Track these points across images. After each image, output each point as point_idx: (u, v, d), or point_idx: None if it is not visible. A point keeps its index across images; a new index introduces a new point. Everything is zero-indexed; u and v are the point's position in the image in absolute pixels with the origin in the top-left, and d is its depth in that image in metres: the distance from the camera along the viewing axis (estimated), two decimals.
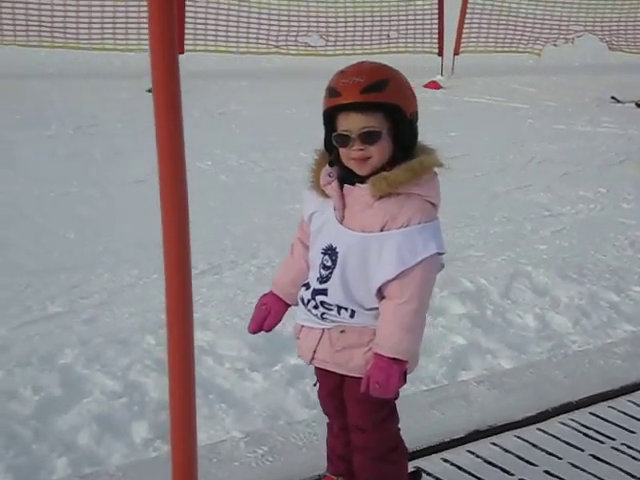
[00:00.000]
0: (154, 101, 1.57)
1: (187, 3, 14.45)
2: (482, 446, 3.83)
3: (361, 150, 2.85)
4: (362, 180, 2.91)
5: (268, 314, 3.18)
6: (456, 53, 15.91)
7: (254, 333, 3.23)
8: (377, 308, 2.92)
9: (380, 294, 2.91)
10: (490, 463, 3.70)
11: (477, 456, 3.76)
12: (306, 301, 3.05)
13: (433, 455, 3.75)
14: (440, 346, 5.02)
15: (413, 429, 3.84)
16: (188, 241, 1.64)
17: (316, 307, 3.02)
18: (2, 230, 6.65)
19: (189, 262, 1.65)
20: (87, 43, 14.27)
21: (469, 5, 16.21)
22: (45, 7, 13.96)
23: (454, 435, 3.89)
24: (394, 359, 2.85)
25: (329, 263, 2.98)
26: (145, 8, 14.30)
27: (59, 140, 9.67)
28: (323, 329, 3.04)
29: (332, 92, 2.88)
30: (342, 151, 2.91)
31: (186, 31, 14.37)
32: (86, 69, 14.16)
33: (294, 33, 15.36)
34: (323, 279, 3.00)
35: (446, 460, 3.72)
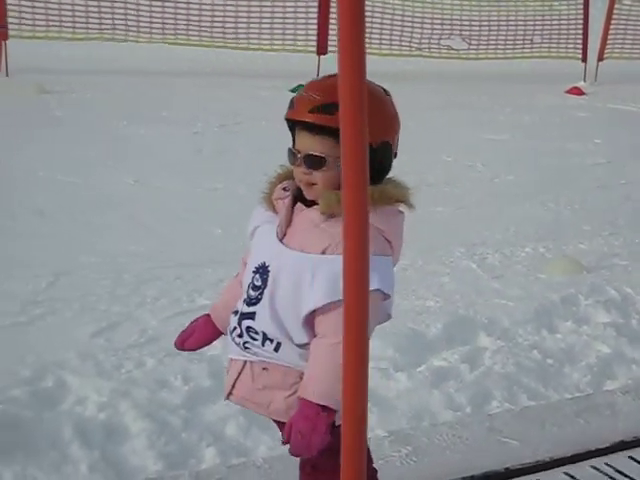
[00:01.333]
0: (341, 105, 1.61)
1: (332, 4, 14.58)
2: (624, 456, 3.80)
3: (305, 174, 2.56)
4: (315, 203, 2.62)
5: (193, 334, 2.94)
6: (600, 59, 15.64)
7: (178, 349, 3.00)
8: (306, 345, 2.57)
9: (310, 328, 2.55)
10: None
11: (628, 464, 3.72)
12: (231, 329, 2.72)
13: (579, 463, 3.72)
14: (584, 354, 4.95)
15: (558, 436, 3.82)
16: (367, 241, 1.68)
17: (240, 335, 2.68)
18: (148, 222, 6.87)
19: (367, 263, 1.68)
20: (234, 43, 14.55)
21: (615, 10, 15.90)
22: (193, 7, 14.30)
23: (600, 444, 3.85)
24: (322, 407, 2.46)
25: (259, 282, 2.64)
26: (290, 9, 14.60)
27: (205, 137, 9.90)
28: (245, 361, 2.70)
29: (290, 103, 2.59)
30: (293, 168, 2.63)
31: (330, 32, 14.50)
32: (230, 68, 14.44)
33: (437, 36, 15.34)
34: (251, 301, 2.66)
35: (594, 467, 3.69)
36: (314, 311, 2.50)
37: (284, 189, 2.66)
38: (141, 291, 5.52)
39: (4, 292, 5.32)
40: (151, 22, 14.17)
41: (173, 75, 13.61)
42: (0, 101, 11.10)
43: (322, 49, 14.44)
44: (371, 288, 2.27)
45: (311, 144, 2.54)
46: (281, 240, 2.60)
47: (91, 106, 11.22)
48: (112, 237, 6.51)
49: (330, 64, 13.94)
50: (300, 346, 2.57)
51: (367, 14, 15.08)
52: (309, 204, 2.61)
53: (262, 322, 2.61)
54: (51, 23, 13.73)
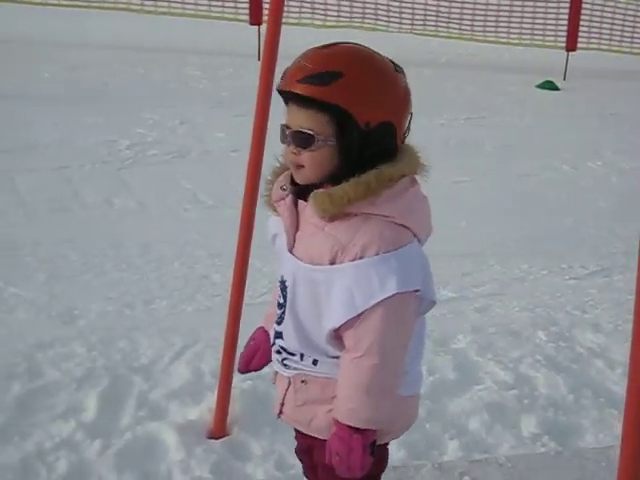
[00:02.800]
0: None
1: (584, 1, 14.18)
2: None
3: (293, 154, 2.25)
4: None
5: (257, 351, 2.65)
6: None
7: (242, 373, 2.73)
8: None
9: (339, 340, 2.28)
10: None
11: None
12: (272, 342, 2.51)
13: None
14: None
15: None
16: None
17: (278, 352, 2.47)
18: None
19: None
20: (481, 35, 14.41)
21: None
22: None
23: None
24: (355, 428, 2.26)
25: (282, 300, 2.41)
26: (541, 4, 14.26)
27: (451, 129, 9.86)
28: (289, 378, 2.46)
29: (284, 72, 2.27)
30: (283, 148, 2.30)
31: (580, 29, 14.12)
32: (476, 60, 14.31)
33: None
34: (279, 320, 2.44)
35: None
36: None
37: (282, 188, 2.34)
38: None
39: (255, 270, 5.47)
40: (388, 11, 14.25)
41: (418, 66, 13.62)
42: None
43: (571, 45, 14.07)
44: (388, 294, 2.18)
45: (300, 119, 2.21)
46: (291, 251, 2.32)
47: None
48: None
49: (579, 61, 13.60)
50: (337, 357, 2.31)
51: (619, 11, 14.73)
52: (306, 197, 2.29)
53: (290, 342, 2.40)
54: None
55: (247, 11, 13.22)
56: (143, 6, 13.88)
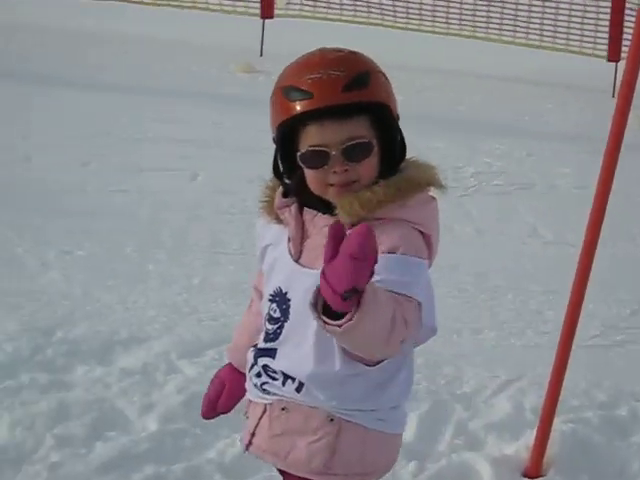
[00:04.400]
0: None
1: None
2: None
3: (345, 171, 2.11)
4: (329, 206, 2.17)
5: (222, 391, 2.48)
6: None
7: (207, 419, 2.55)
8: (341, 374, 2.17)
9: (345, 356, 2.14)
10: None
11: None
12: (249, 367, 2.31)
13: None
14: None
15: None
16: None
17: (258, 375, 2.28)
18: None
19: None
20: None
21: None
22: None
23: None
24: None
25: (277, 314, 2.24)
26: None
27: None
28: (265, 405, 2.28)
29: (293, 93, 2.11)
30: (313, 175, 2.15)
31: None
32: None
33: None
34: (269, 336, 2.25)
35: None
36: None
37: (285, 195, 2.23)
38: None
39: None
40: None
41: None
42: None
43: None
44: (406, 292, 2.06)
45: (346, 131, 2.11)
46: (297, 261, 2.19)
47: None
48: None
49: None
50: (328, 383, 2.17)
51: None
52: (323, 208, 2.18)
53: (283, 361, 2.22)
54: None
55: (605, 47, 12.96)
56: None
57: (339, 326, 1.93)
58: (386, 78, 2.20)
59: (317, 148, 2.13)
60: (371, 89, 2.13)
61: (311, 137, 2.13)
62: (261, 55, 12.57)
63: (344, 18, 13.53)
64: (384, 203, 2.12)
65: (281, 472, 2.35)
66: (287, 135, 2.18)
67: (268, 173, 2.27)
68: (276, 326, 2.25)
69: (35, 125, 8.12)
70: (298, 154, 2.16)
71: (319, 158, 2.13)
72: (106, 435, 3.62)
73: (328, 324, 1.95)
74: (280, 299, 2.25)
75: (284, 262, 2.22)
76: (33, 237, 5.49)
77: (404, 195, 2.15)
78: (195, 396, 3.82)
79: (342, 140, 2.12)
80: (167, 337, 4.31)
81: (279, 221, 2.25)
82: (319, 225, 2.19)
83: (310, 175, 2.17)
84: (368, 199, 2.12)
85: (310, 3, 13.62)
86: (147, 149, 7.73)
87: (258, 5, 13.05)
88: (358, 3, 13.23)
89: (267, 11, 12.93)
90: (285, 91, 2.14)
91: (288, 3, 13.50)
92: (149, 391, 3.89)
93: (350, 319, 1.92)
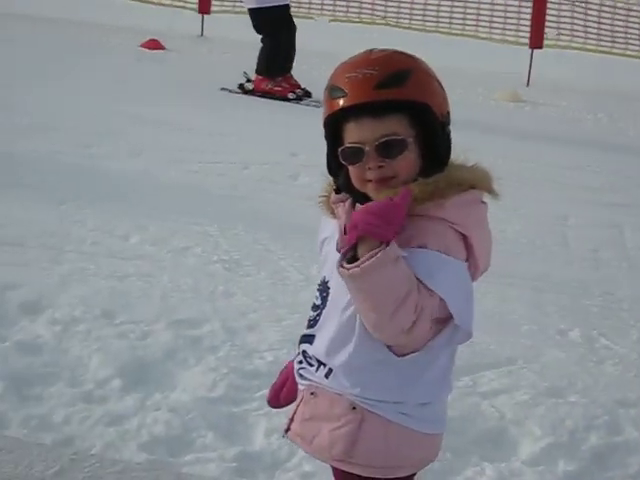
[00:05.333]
0: None
1: None
2: None
3: (380, 167, 2.19)
4: None
5: (285, 383, 2.51)
6: None
7: (272, 407, 2.57)
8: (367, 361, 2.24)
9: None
10: None
11: None
12: (296, 354, 2.42)
13: None
14: None
15: None
16: None
17: (300, 361, 2.38)
18: None
19: None
20: None
21: None
22: None
23: None
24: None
25: (318, 301, 2.35)
26: None
27: None
28: (302, 391, 2.38)
29: (334, 91, 2.20)
30: (352, 171, 2.23)
31: None
32: None
33: None
34: (310, 323, 2.36)
35: None
36: None
37: (337, 191, 2.32)
38: None
39: None
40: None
41: None
42: None
43: None
44: (430, 286, 2.12)
45: (381, 128, 2.17)
46: (340, 250, 2.21)
47: None
48: None
49: None
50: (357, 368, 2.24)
51: None
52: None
53: (318, 346, 2.31)
54: None
55: None
56: None
57: (347, 269, 2.11)
58: (431, 77, 2.26)
59: (353, 145, 2.22)
60: (408, 87, 2.19)
61: (350, 134, 2.23)
62: (527, 85, 12.49)
63: (615, 51, 13.26)
64: (420, 200, 2.18)
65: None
66: (333, 133, 2.28)
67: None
68: (316, 313, 2.36)
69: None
70: (339, 150, 2.26)
71: (354, 154, 2.22)
72: None
73: (342, 267, 2.13)
74: (323, 287, 2.37)
75: (333, 254, 2.29)
76: (297, 251, 5.63)
77: (442, 194, 2.20)
78: (447, 420, 3.85)
79: (376, 137, 2.20)
80: None
81: (335, 216, 2.35)
82: None
83: (351, 171, 2.26)
84: None
85: (581, 35, 13.42)
86: None
87: (527, 35, 12.99)
88: None
89: (536, 41, 12.84)
90: (328, 90, 2.25)
91: (558, 34, 13.36)
92: None
93: (357, 266, 2.10)
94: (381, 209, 2.13)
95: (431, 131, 2.24)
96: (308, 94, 10.37)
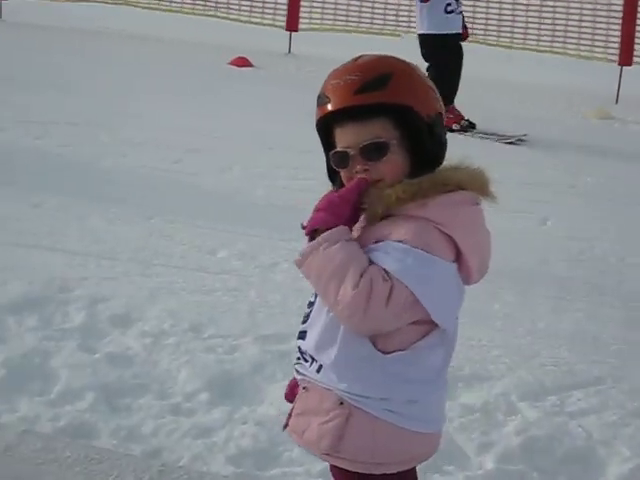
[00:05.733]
0: None
1: None
2: None
3: (366, 170, 2.23)
4: None
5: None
6: None
7: (290, 402, 2.49)
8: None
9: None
10: None
11: None
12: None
13: None
14: None
15: None
16: None
17: (297, 357, 2.43)
18: None
19: None
20: None
21: None
22: None
23: None
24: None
25: (312, 298, 2.40)
26: None
27: None
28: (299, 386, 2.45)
29: (320, 98, 2.27)
30: (343, 175, 2.29)
31: None
32: None
33: None
34: (304, 319, 2.42)
35: None
36: None
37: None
38: None
39: None
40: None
41: None
42: None
43: None
44: (397, 276, 2.15)
45: (364, 132, 2.21)
46: None
47: None
48: None
49: None
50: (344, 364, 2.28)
51: None
52: None
53: (309, 342, 2.35)
54: None
55: None
56: None
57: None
58: (414, 80, 2.27)
59: (339, 150, 2.28)
60: (389, 90, 2.21)
61: (338, 140, 2.28)
62: (616, 102, 12.32)
63: None
64: (402, 200, 2.21)
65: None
66: (326, 139, 2.33)
67: None
68: (309, 310, 2.41)
69: None
70: (330, 156, 2.32)
71: (341, 159, 2.28)
72: (444, 469, 3.68)
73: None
74: None
75: None
76: None
77: (425, 194, 2.21)
78: (534, 440, 3.82)
79: (359, 141, 2.23)
80: (509, 378, 4.31)
81: None
82: (358, 224, 2.33)
83: (342, 176, 2.31)
84: (387, 195, 2.21)
85: None
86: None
87: (616, 52, 12.84)
88: None
89: (626, 58, 12.68)
90: (317, 97, 2.31)
91: None
92: (488, 430, 3.91)
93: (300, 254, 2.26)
94: (325, 203, 2.26)
95: (415, 133, 2.25)
96: (472, 125, 9.94)
